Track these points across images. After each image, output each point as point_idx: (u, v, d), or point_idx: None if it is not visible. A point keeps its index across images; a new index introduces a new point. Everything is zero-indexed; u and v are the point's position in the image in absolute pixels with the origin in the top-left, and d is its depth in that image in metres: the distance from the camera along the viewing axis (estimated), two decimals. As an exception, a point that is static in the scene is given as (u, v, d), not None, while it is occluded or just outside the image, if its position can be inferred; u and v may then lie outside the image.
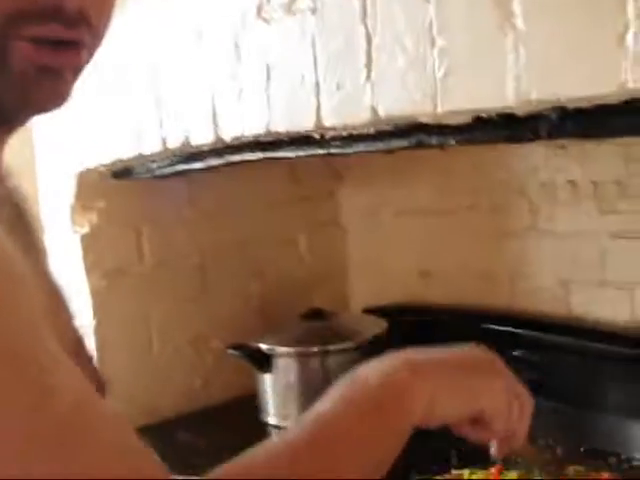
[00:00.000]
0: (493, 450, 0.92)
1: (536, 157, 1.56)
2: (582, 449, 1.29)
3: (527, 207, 1.59)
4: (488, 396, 0.80)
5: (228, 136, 1.23)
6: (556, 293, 1.57)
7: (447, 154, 1.69)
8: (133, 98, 1.45)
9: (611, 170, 1.46)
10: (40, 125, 1.71)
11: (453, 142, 0.97)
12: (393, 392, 0.73)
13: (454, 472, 1.23)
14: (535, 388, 1.48)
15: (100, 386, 0.74)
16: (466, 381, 0.79)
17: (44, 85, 0.59)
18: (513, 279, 1.64)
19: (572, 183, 1.52)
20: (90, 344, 1.60)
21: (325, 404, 0.71)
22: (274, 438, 0.69)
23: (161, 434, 1.59)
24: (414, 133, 1.00)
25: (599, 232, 1.49)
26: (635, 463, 1.22)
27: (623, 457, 1.25)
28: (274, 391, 1.57)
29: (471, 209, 1.69)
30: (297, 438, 0.67)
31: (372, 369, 0.75)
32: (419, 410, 0.73)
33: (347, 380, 0.74)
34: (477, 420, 0.81)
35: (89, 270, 1.69)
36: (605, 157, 1.46)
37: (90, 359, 0.75)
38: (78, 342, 0.72)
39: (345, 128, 1.04)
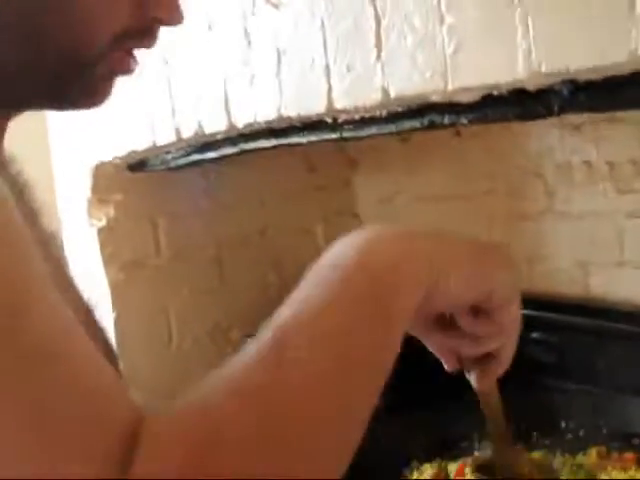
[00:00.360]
0: (473, 380, 0.79)
1: (551, 139, 1.55)
2: (604, 430, 1.28)
3: (543, 189, 1.59)
4: (499, 277, 0.69)
5: (241, 123, 1.24)
6: (574, 274, 1.57)
7: (461, 140, 1.69)
8: (145, 89, 1.45)
9: (626, 150, 1.45)
10: (54, 120, 1.72)
11: (465, 121, 0.96)
12: (385, 267, 0.60)
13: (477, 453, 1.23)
14: (555, 370, 1.49)
15: (112, 360, 0.74)
16: (473, 255, 0.68)
17: (108, 84, 0.67)
18: (531, 262, 1.64)
19: (588, 164, 1.51)
20: (109, 337, 1.61)
21: (301, 292, 0.58)
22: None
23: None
24: (426, 113, 1.00)
25: (616, 212, 1.49)
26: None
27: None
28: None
29: (487, 194, 1.68)
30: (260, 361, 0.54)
31: (351, 245, 0.61)
32: (421, 282, 0.61)
33: (323, 262, 0.60)
34: (479, 310, 0.69)
35: (107, 263, 1.70)
36: (620, 137, 1.45)
37: (101, 330, 0.75)
38: (87, 312, 0.72)
39: (357, 110, 1.04)
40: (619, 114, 1.42)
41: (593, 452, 1.21)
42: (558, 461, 1.17)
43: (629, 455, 1.18)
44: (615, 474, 1.12)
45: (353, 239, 0.62)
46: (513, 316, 0.72)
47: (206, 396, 0.53)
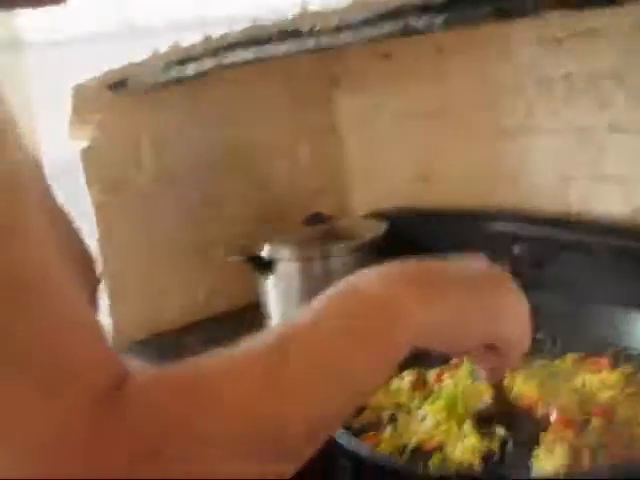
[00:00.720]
0: (484, 376, 0.88)
1: (531, 54, 1.55)
2: (582, 340, 1.29)
3: (524, 104, 1.58)
4: (510, 319, 0.70)
5: (216, 34, 1.22)
6: (556, 190, 1.57)
7: (443, 57, 1.68)
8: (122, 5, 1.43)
9: (608, 64, 1.45)
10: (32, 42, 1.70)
11: (440, 22, 0.96)
12: (385, 305, 0.63)
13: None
14: (537, 283, 1.51)
15: (89, 263, 0.74)
16: (484, 300, 0.68)
17: None
18: (513, 178, 1.64)
19: (568, 78, 1.51)
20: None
21: (306, 315, 0.62)
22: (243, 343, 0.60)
23: (167, 342, 1.63)
24: (401, 16, 0.99)
25: (597, 127, 1.49)
26: (631, 352, 1.23)
27: (621, 346, 1.26)
28: (277, 295, 1.58)
29: (469, 109, 1.68)
30: (263, 350, 0.59)
31: (363, 280, 0.65)
32: (417, 330, 0.63)
33: (334, 290, 0.64)
34: (490, 346, 0.71)
35: (90, 185, 1.69)
36: (601, 51, 1.45)
37: (77, 233, 0.75)
38: (59, 212, 0.72)
39: (330, 14, 1.03)
40: (598, 26, 1.42)
41: (569, 358, 1.22)
42: (536, 365, 1.18)
43: (603, 360, 1.19)
44: (588, 377, 1.14)
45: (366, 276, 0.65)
46: (523, 349, 0.74)
47: (202, 364, 0.56)
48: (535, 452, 0.97)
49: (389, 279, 0.65)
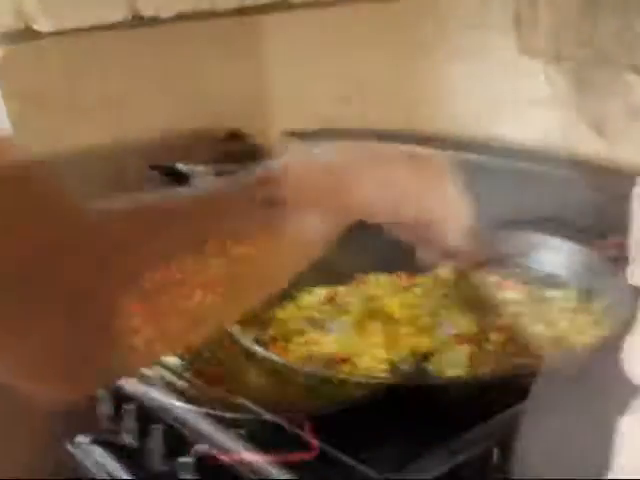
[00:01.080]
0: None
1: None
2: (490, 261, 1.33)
3: (448, 29, 1.59)
4: (440, 202, 0.76)
5: None
6: (473, 114, 1.60)
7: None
8: None
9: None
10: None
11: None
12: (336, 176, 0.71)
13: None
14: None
15: None
16: (420, 182, 0.74)
17: None
18: (433, 102, 1.66)
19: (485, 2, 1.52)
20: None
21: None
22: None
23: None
24: None
25: (511, 51, 1.50)
26: (537, 272, 1.27)
27: (527, 267, 1.29)
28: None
29: (392, 33, 1.68)
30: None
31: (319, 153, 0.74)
32: (359, 202, 0.71)
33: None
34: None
35: (7, 99, 1.65)
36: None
37: None
38: None
39: None
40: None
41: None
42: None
43: (508, 281, 1.23)
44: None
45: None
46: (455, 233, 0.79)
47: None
48: (436, 361, 1.02)
49: (340, 155, 0.73)
